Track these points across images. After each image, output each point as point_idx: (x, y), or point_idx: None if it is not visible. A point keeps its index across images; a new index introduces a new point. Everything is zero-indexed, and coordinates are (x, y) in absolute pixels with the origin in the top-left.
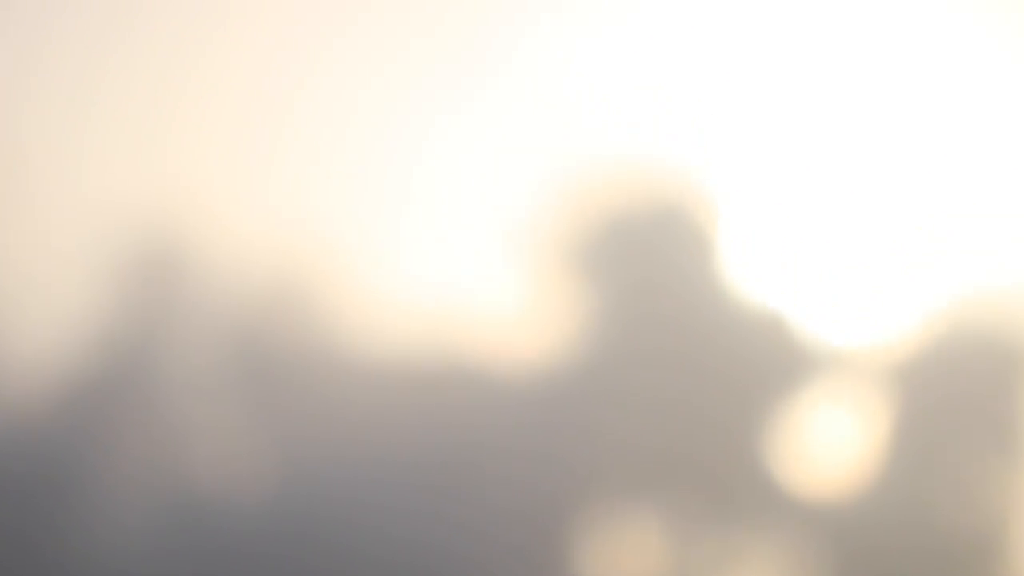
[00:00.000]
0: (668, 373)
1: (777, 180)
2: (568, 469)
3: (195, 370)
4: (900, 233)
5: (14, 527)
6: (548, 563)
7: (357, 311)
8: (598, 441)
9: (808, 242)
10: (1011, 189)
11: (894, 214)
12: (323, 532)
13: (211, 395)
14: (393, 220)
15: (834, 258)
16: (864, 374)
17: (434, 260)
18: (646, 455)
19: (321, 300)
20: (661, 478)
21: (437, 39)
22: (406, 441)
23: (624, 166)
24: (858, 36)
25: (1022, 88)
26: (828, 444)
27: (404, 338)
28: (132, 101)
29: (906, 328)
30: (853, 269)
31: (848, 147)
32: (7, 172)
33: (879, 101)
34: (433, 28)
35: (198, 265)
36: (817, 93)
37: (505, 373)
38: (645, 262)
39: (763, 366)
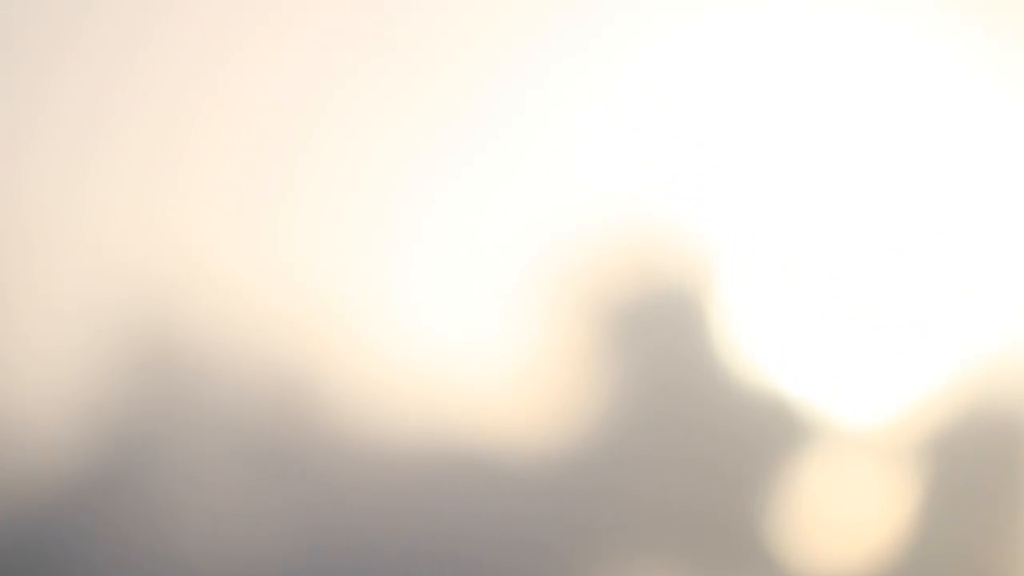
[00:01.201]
0: (681, 439)
1: (791, 252)
2: (580, 534)
3: (197, 447)
4: (913, 306)
5: None
6: None
7: (364, 385)
8: (611, 507)
9: (821, 311)
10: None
11: (909, 287)
12: None
13: (213, 475)
14: (401, 293)
15: (846, 328)
16: (878, 442)
17: (444, 329)
18: (659, 519)
19: (328, 376)
20: (675, 543)
21: (443, 106)
22: (416, 510)
23: (635, 234)
24: (874, 111)
25: None
26: (839, 511)
27: (413, 408)
28: (130, 170)
29: (919, 399)
30: (865, 341)
31: (864, 220)
32: (2, 243)
33: (896, 179)
34: (439, 95)
35: (200, 340)
36: (828, 164)
37: (516, 438)
38: (658, 329)
39: (777, 435)
